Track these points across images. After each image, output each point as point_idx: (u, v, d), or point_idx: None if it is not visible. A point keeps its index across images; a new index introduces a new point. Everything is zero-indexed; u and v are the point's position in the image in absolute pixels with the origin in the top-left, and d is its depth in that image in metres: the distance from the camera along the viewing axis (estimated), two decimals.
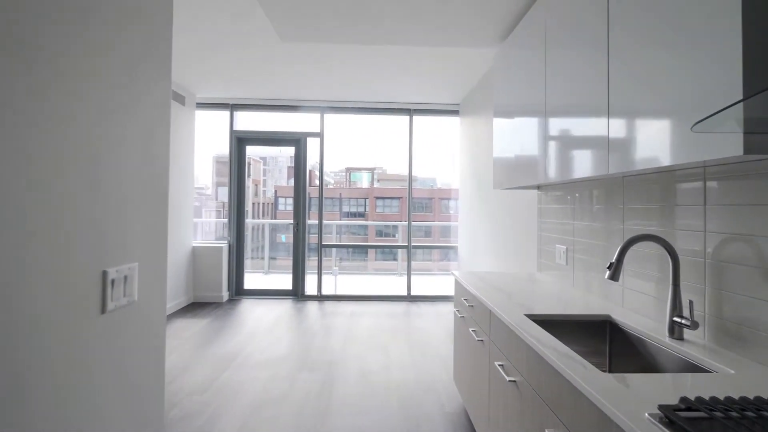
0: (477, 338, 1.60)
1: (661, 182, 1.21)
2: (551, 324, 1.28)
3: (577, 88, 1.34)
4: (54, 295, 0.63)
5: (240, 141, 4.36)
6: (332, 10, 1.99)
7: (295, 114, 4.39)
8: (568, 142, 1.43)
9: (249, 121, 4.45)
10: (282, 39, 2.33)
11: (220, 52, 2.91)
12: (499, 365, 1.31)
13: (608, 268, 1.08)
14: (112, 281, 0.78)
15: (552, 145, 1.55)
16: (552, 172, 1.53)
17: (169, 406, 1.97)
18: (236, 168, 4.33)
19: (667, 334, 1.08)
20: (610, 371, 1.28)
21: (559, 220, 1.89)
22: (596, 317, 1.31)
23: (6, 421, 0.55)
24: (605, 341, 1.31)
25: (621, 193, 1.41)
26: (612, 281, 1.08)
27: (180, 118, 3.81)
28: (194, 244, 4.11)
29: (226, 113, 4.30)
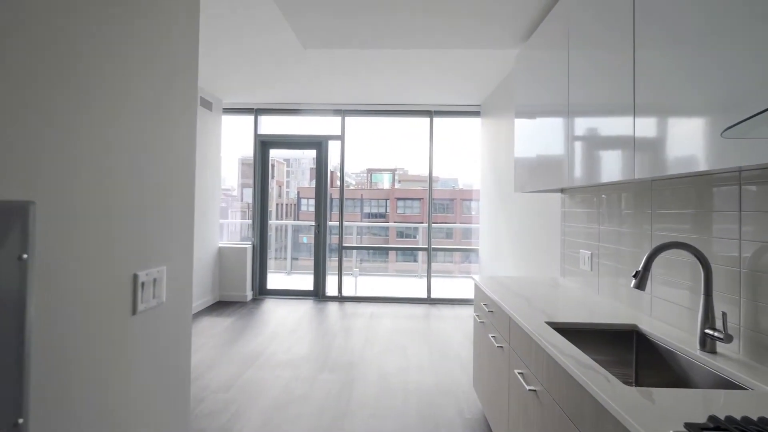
0: (497, 344, 1.58)
1: (692, 186, 1.16)
2: (573, 332, 1.25)
3: (601, 86, 1.30)
4: (90, 298, 0.68)
5: (264, 144, 4.48)
6: (352, 18, 2.02)
7: (317, 117, 4.47)
8: (593, 143, 1.38)
9: (272, 125, 4.57)
10: (305, 47, 2.39)
11: (246, 61, 3.00)
12: (518, 373, 1.29)
13: (634, 276, 1.04)
14: (142, 284, 0.82)
15: (576, 146, 1.50)
16: (577, 174, 1.49)
17: (195, 401, 2.05)
18: (260, 171, 4.45)
19: (698, 346, 1.03)
20: (637, 383, 1.23)
21: (584, 225, 1.83)
22: (622, 326, 1.27)
23: (56, 407, 0.61)
24: (631, 351, 1.26)
25: (649, 196, 1.35)
26: (638, 290, 1.04)
27: (208, 124, 3.96)
28: (220, 245, 4.26)
29: (251, 118, 4.43)
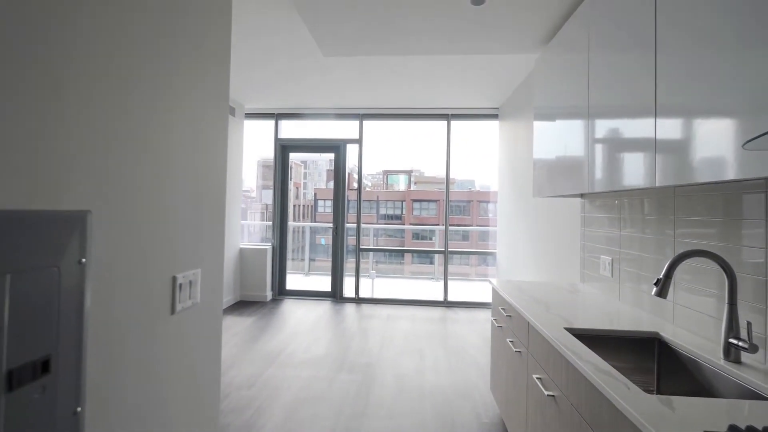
0: (515, 349, 1.59)
1: (716, 192, 1.14)
2: (593, 339, 1.25)
3: (622, 88, 1.29)
4: (134, 298, 0.74)
5: (284, 148, 4.59)
6: (372, 27, 2.07)
7: (335, 121, 4.54)
8: (614, 146, 1.38)
9: (292, 129, 4.67)
10: (325, 55, 2.45)
11: (267, 68, 3.10)
12: (537, 378, 1.30)
13: (655, 284, 1.04)
14: (180, 285, 0.88)
15: (596, 149, 1.50)
16: (598, 176, 1.48)
17: (221, 397, 2.13)
18: (280, 174, 4.56)
19: (722, 356, 1.01)
20: (658, 392, 1.22)
21: (605, 230, 1.81)
22: (643, 334, 1.26)
23: (107, 397, 0.67)
24: (653, 359, 1.25)
25: (672, 202, 1.34)
26: (659, 298, 1.04)
27: (231, 129, 4.09)
28: (241, 246, 4.38)
29: (272, 122, 4.55)
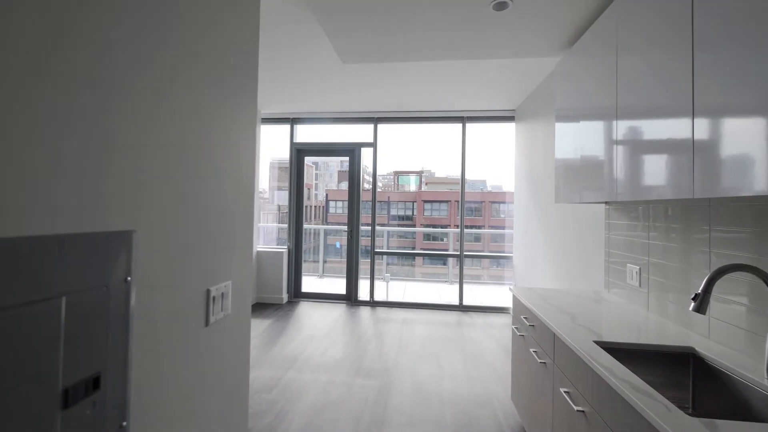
0: (539, 360, 1.56)
1: (752, 200, 1.10)
2: (623, 352, 1.22)
3: (654, 89, 1.26)
4: (171, 312, 0.75)
5: (299, 152, 4.63)
6: (392, 34, 2.07)
7: (350, 125, 4.56)
8: (642, 149, 1.34)
9: (306, 132, 4.71)
10: (344, 62, 2.46)
11: (284, 74, 3.13)
12: (564, 392, 1.27)
13: (693, 299, 1.01)
14: (213, 298, 0.89)
15: (621, 153, 1.46)
16: (624, 182, 1.44)
17: (248, 406, 2.15)
18: (295, 178, 4.60)
19: (765, 374, 0.98)
20: (693, 409, 1.18)
21: (631, 237, 1.77)
22: (677, 348, 1.22)
23: (149, 411, 0.68)
24: (687, 375, 1.21)
25: (707, 209, 1.30)
26: (697, 313, 1.00)
27: None
28: (258, 249, 4.43)
29: (287, 127, 4.59)
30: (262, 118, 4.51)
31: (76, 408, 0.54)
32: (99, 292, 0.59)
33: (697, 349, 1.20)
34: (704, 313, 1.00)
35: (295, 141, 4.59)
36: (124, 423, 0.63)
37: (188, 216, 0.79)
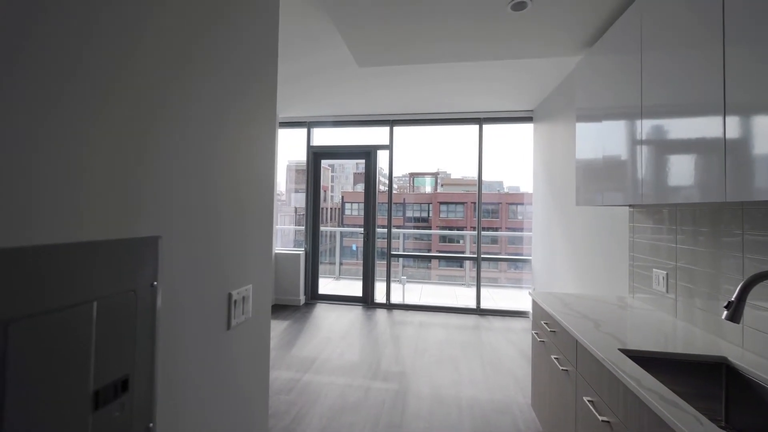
0: (561, 367, 1.52)
1: None
2: (651, 361, 1.17)
3: (684, 85, 1.21)
4: (196, 316, 0.77)
5: (316, 155, 4.68)
6: (409, 38, 2.07)
7: (366, 128, 4.58)
8: (668, 148, 1.29)
9: (323, 135, 4.76)
10: (360, 66, 2.48)
11: (302, 79, 3.18)
12: (588, 401, 1.24)
13: (726, 307, 0.96)
14: (235, 302, 0.91)
15: (646, 154, 1.41)
16: (647, 182, 1.40)
17: (268, 408, 2.19)
18: (312, 181, 4.65)
19: None
20: (726, 421, 1.13)
21: (658, 241, 1.71)
22: (709, 358, 1.17)
23: (171, 411, 0.70)
24: (719, 386, 1.16)
25: (738, 211, 1.24)
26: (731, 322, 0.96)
27: None
28: (276, 251, 4.50)
29: (304, 130, 4.65)
30: (280, 122, 4.59)
31: (105, 410, 0.56)
32: (127, 296, 0.61)
33: (730, 359, 1.14)
34: (738, 322, 0.95)
35: (311, 144, 4.65)
36: (151, 425, 0.65)
37: (211, 221, 0.80)
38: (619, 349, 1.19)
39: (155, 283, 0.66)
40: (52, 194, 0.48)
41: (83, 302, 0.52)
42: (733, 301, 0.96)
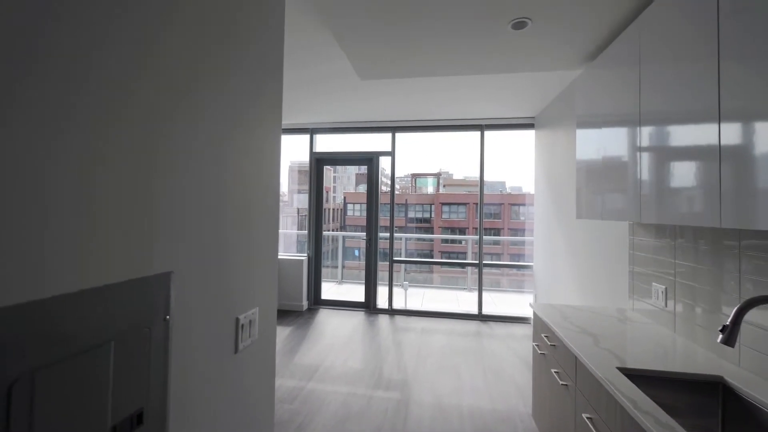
0: (561, 382, 1.54)
1: None
2: (649, 379, 1.19)
3: (680, 97, 1.23)
4: (204, 343, 0.79)
5: (318, 162, 4.71)
6: (410, 53, 2.10)
7: (368, 135, 4.61)
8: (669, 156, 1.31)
9: (326, 142, 4.79)
10: (362, 78, 2.51)
11: (304, 87, 3.21)
12: (587, 418, 1.26)
13: (721, 331, 0.98)
14: (242, 326, 0.94)
15: (644, 182, 1.42)
16: (647, 207, 1.42)
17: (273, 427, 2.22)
18: (315, 187, 4.68)
19: None
20: None
21: (657, 255, 1.72)
22: (705, 377, 1.19)
23: (185, 428, 0.73)
24: (716, 404, 1.18)
25: (736, 231, 1.25)
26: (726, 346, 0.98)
27: None
28: (280, 257, 4.53)
29: (307, 136, 4.69)
30: (283, 129, 4.62)
31: None
32: (142, 332, 0.64)
33: (726, 378, 1.16)
34: (733, 346, 0.97)
35: (314, 150, 4.69)
36: None
37: (219, 249, 0.83)
38: (618, 368, 1.21)
39: (168, 317, 0.69)
40: (69, 242, 0.50)
41: (101, 344, 0.55)
42: (728, 325, 0.98)
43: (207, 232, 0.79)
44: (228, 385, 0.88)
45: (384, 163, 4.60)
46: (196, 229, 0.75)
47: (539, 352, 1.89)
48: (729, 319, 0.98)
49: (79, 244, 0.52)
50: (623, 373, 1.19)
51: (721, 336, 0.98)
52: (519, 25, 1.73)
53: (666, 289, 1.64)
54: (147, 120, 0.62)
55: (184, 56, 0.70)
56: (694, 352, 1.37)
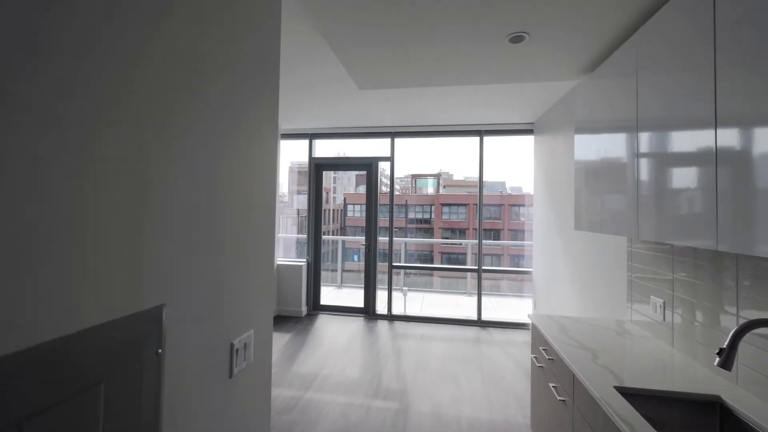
0: (558, 397, 1.54)
1: None
2: (645, 398, 1.19)
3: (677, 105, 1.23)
4: (198, 371, 0.79)
5: (318, 167, 4.71)
6: (407, 64, 2.09)
7: (367, 140, 4.61)
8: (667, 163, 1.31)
9: (325, 147, 4.79)
10: (360, 88, 2.51)
11: (304, 94, 3.21)
12: None
13: (718, 354, 0.98)
14: (237, 351, 0.93)
15: (642, 204, 1.42)
16: (645, 229, 1.41)
17: None
18: (314, 193, 4.68)
19: None
20: None
21: (655, 268, 1.72)
22: (702, 397, 1.18)
23: None
24: (714, 422, 1.17)
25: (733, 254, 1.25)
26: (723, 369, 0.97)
27: None
28: (278, 262, 4.53)
29: (306, 141, 4.68)
30: (282, 134, 4.62)
31: None
32: (133, 369, 0.63)
33: (723, 398, 1.15)
34: (730, 370, 0.97)
35: (314, 156, 4.68)
36: None
37: (213, 274, 0.82)
38: (615, 387, 1.21)
39: (160, 350, 0.69)
40: (63, 283, 0.50)
41: (90, 387, 0.55)
42: (724, 348, 0.97)
43: (201, 258, 0.78)
44: (223, 411, 0.87)
45: (383, 166, 4.60)
46: (189, 256, 0.75)
47: (537, 364, 1.88)
48: (726, 342, 0.97)
49: (65, 286, 0.51)
50: (621, 392, 1.18)
51: (718, 359, 0.98)
52: (516, 39, 1.72)
53: (664, 303, 1.64)
54: (137, 160, 0.61)
55: (179, 55, 0.70)
56: (692, 369, 1.36)
